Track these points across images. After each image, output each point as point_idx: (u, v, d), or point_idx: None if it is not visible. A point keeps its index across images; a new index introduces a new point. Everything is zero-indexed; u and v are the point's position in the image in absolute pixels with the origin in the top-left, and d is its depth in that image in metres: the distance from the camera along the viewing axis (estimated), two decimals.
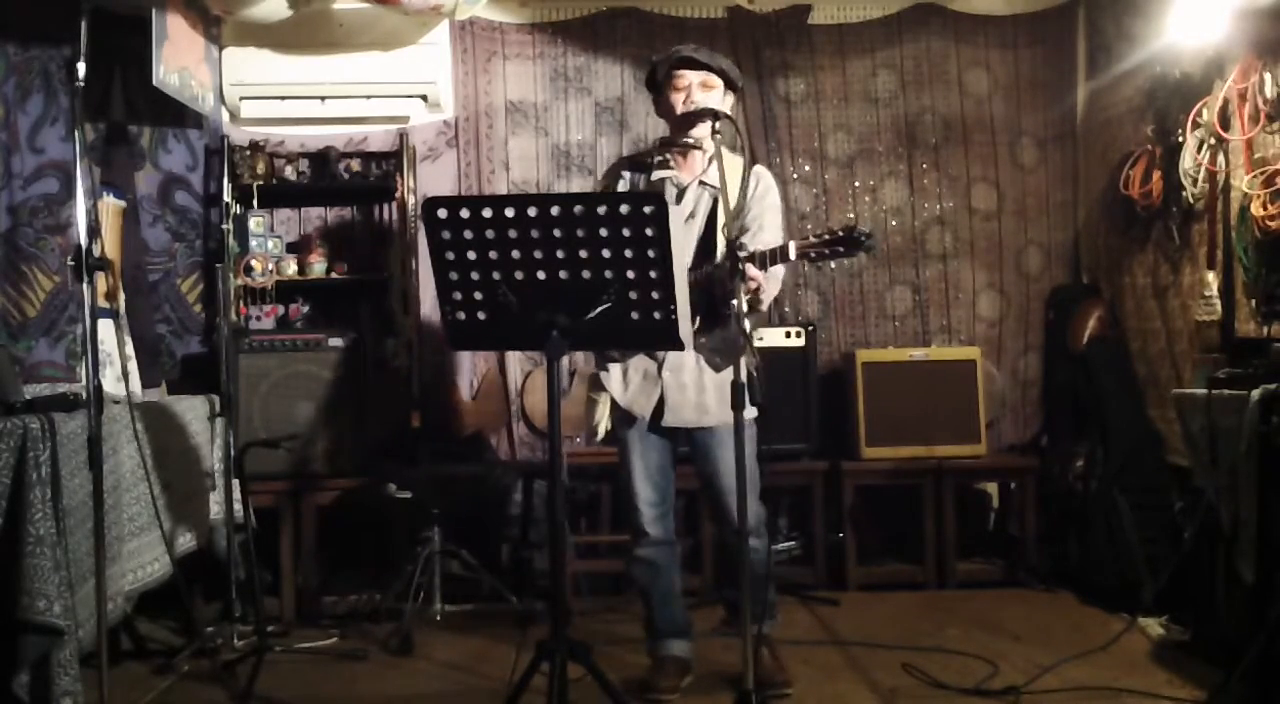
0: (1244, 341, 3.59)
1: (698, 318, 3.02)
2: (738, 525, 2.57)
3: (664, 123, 3.24)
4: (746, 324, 2.59)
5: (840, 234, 2.81)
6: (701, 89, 3.07)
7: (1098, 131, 4.77)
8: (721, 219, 3.03)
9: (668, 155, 3.20)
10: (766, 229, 3.16)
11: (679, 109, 3.07)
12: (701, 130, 3.02)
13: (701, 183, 3.15)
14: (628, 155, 3.47)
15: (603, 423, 3.21)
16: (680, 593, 3.28)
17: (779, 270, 3.03)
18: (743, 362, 2.53)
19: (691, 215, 3.14)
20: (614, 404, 3.18)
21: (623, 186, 3.22)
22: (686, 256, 3.11)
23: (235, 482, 3.71)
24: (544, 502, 4.37)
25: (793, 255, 2.87)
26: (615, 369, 3.17)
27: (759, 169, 3.24)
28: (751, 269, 2.85)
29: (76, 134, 2.71)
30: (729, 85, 3.14)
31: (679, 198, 3.15)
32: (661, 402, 3.13)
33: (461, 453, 4.43)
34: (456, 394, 4.71)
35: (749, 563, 2.57)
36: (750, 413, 3.16)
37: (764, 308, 3.15)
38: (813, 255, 2.86)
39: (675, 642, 3.22)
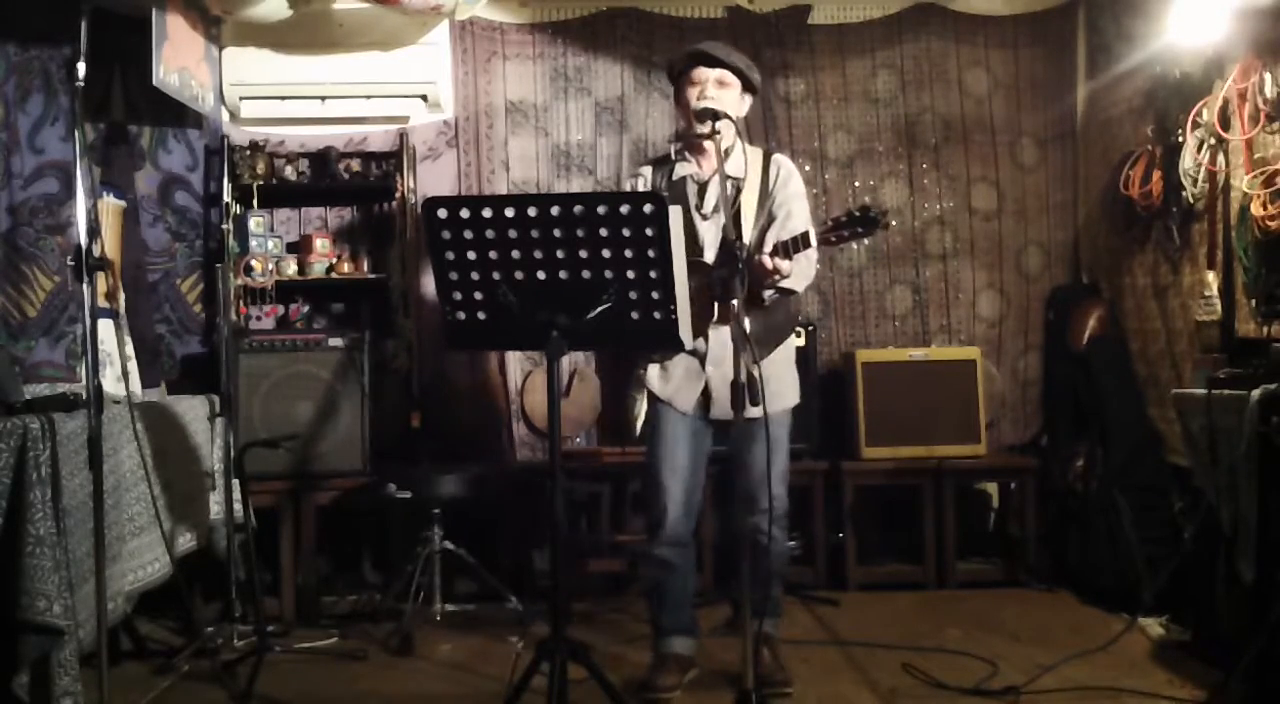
0: (1244, 342, 3.58)
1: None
2: (752, 518, 2.60)
3: (664, 122, 3.24)
4: (747, 324, 2.59)
5: (856, 214, 2.83)
6: (716, 86, 3.07)
7: (1098, 131, 4.77)
8: (746, 212, 3.05)
9: (686, 152, 3.21)
10: (795, 216, 3.17)
11: (691, 106, 3.08)
12: (708, 127, 3.01)
13: (725, 176, 3.14)
14: (652, 157, 3.47)
15: (640, 419, 3.22)
16: (692, 594, 3.28)
17: (811, 253, 3.03)
18: (743, 361, 2.53)
19: (716, 209, 3.14)
20: (650, 398, 3.19)
21: (643, 185, 3.24)
22: (710, 251, 3.13)
23: (235, 481, 3.71)
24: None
25: (813, 242, 2.89)
26: (654, 366, 3.19)
27: (779, 157, 3.25)
28: (780, 262, 2.90)
29: (76, 134, 2.71)
30: (747, 85, 3.14)
31: (701, 192, 3.16)
32: (706, 396, 3.14)
33: (461, 453, 4.43)
34: (456, 394, 4.71)
35: (755, 552, 2.60)
36: (789, 402, 3.21)
37: (799, 291, 3.18)
38: (833, 239, 2.88)
39: (679, 639, 3.22)
